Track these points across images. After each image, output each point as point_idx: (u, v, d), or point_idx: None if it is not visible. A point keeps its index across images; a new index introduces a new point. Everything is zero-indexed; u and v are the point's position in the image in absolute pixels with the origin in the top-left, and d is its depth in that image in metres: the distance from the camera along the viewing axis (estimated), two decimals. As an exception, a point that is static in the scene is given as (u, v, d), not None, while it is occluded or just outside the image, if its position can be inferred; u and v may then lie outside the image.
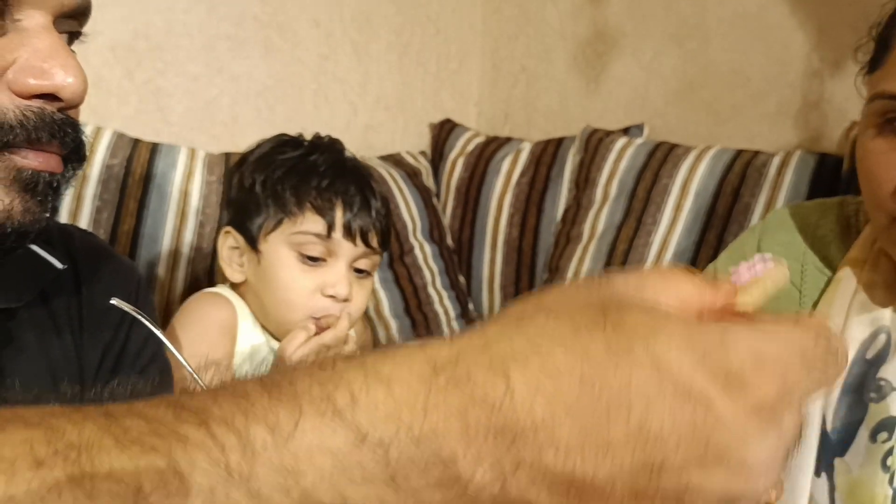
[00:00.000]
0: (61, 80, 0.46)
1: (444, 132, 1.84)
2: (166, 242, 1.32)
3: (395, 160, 1.72)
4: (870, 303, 0.72)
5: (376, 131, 1.81)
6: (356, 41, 1.73)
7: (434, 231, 1.70)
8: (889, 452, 0.68)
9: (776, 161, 1.45)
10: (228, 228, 1.04)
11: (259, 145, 1.07)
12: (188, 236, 1.34)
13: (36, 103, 0.47)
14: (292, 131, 1.67)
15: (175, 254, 1.33)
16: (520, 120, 1.93)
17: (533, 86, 1.89)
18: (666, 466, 0.26)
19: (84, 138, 0.52)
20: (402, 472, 0.25)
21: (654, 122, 1.69)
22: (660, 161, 1.55)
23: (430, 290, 1.64)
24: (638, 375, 0.26)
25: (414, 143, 1.87)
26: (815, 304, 0.75)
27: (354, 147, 1.75)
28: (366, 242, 1.01)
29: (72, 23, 0.50)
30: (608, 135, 1.65)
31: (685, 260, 1.47)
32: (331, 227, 0.98)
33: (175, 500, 0.23)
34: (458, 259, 1.75)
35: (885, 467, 0.68)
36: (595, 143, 1.64)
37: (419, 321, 1.60)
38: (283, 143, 1.06)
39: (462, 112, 1.96)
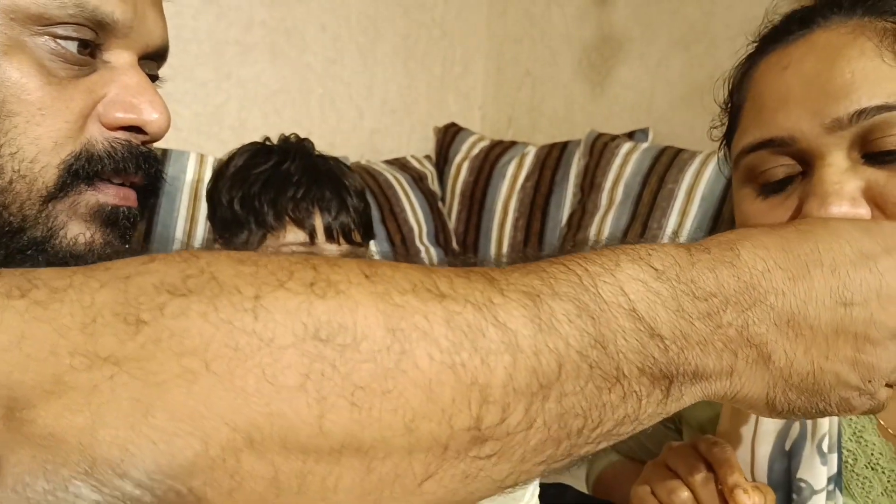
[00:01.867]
0: (148, 115, 0.49)
1: (448, 136, 1.85)
2: (177, 247, 1.32)
3: (400, 164, 1.73)
4: None
5: (382, 135, 1.82)
6: (362, 45, 1.73)
7: (440, 235, 1.70)
8: None
9: (782, 166, 1.46)
10: (217, 246, 1.05)
11: (231, 158, 1.06)
12: (199, 241, 1.34)
13: (122, 136, 0.49)
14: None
15: (184, 259, 1.34)
16: (524, 124, 1.94)
17: (538, 90, 1.90)
18: (855, 302, 0.38)
19: (162, 172, 0.54)
20: (684, 302, 0.35)
21: (659, 127, 1.70)
22: (665, 166, 1.56)
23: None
24: (823, 242, 0.39)
25: (419, 146, 1.88)
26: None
27: (360, 151, 1.76)
28: (349, 241, 1.02)
29: (151, 64, 0.53)
30: (613, 139, 1.65)
31: (691, 265, 1.48)
32: (312, 235, 1.00)
33: (552, 300, 0.32)
34: (464, 261, 1.76)
35: None
36: (600, 148, 1.65)
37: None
38: (256, 154, 1.06)
39: (467, 116, 1.97)
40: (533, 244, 1.70)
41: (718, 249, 0.37)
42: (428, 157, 1.84)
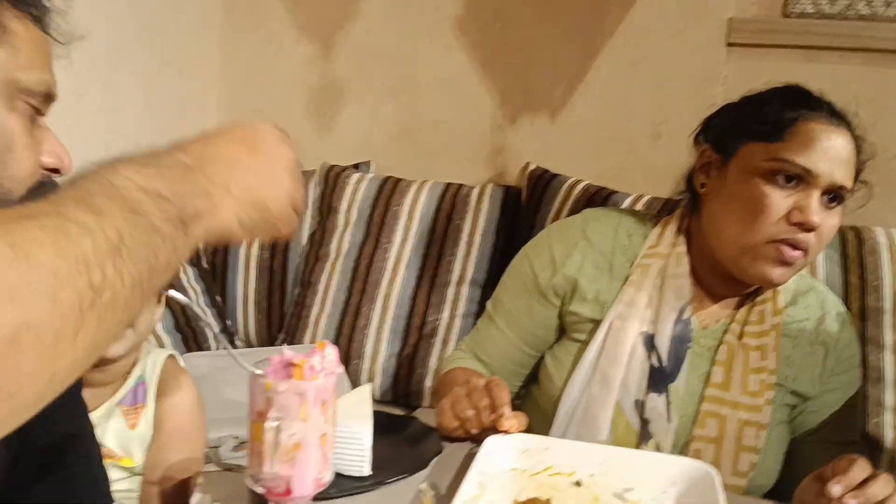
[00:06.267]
0: (67, 163, 0.69)
1: (189, 165, 2.01)
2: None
3: (150, 191, 1.86)
4: (677, 287, 1.14)
5: (128, 164, 1.92)
6: (107, 80, 1.84)
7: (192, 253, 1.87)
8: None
9: (475, 192, 1.90)
10: None
11: None
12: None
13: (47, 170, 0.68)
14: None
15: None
16: (256, 155, 2.16)
17: (269, 125, 2.14)
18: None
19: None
20: (167, 173, 0.55)
21: (379, 160, 2.06)
22: (389, 192, 1.91)
23: (196, 308, 1.81)
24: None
25: (161, 175, 2.01)
26: (627, 279, 1.17)
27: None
28: None
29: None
30: (344, 170, 1.97)
31: (416, 269, 1.84)
32: None
33: (94, 198, 0.46)
34: (214, 279, 1.94)
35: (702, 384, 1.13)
36: (334, 178, 1.95)
37: (189, 335, 1.77)
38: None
39: (202, 147, 2.14)
40: (279, 260, 1.94)
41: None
42: (172, 184, 1.98)
